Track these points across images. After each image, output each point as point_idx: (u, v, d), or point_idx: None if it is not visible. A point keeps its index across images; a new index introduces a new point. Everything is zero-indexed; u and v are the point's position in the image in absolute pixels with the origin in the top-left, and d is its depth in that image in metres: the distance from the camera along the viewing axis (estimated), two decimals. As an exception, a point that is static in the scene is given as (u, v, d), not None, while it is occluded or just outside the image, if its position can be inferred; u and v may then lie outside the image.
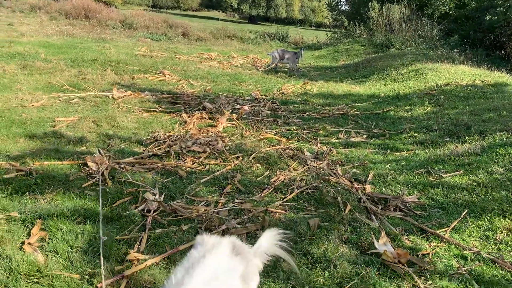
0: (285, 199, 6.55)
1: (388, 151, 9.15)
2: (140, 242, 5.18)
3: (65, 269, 4.57)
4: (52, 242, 4.93)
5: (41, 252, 4.75)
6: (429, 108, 12.19)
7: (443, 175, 7.49)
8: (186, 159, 7.77)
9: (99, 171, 6.71)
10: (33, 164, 6.77)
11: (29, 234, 5.05)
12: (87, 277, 4.48)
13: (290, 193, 6.75)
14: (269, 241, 3.38)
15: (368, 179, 7.42)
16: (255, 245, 3.24)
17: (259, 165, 7.87)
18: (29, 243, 4.84)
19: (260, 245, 3.29)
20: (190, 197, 6.44)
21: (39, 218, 5.30)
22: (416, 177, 7.54)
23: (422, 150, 9.01)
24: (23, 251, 4.66)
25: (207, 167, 7.60)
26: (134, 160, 7.46)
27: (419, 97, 13.28)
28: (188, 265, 2.68)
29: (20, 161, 6.90)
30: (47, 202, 5.79)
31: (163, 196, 6.28)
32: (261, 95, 14.43)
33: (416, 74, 16.68)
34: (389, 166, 8.13)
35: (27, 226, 5.20)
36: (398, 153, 8.99)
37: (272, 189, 6.89)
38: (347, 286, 4.58)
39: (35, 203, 5.73)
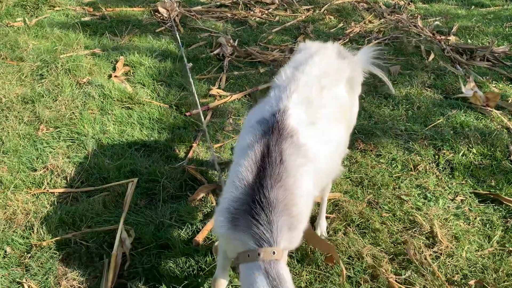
0: (362, 48, 6.24)
1: (473, 6, 8.32)
2: (220, 81, 5.22)
3: (154, 99, 4.74)
4: (137, 75, 5.06)
5: (128, 84, 4.91)
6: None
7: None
8: (255, 10, 7.45)
9: (170, 17, 6.60)
10: (105, 10, 6.73)
11: (114, 69, 5.20)
12: (174, 107, 4.64)
13: (367, 44, 6.40)
14: (366, 55, 3.21)
15: (452, 30, 6.87)
16: (354, 57, 3.09)
17: (331, 17, 7.43)
18: (116, 76, 5.01)
19: (359, 58, 3.13)
20: (263, 44, 6.28)
21: (121, 55, 5.40)
22: (507, 29, 6.89)
23: (513, 6, 8.12)
24: (113, 82, 4.83)
25: (277, 18, 7.27)
26: (203, 9, 7.25)
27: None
28: (296, 65, 2.60)
29: (92, 6, 6.89)
30: (126, 43, 5.86)
31: (236, 41, 6.16)
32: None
33: None
34: (475, 19, 7.44)
35: (111, 62, 5.33)
36: (484, 9, 8.17)
37: (347, 40, 6.56)
38: (432, 124, 4.48)
39: (115, 43, 5.81)
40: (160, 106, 4.59)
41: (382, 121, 4.55)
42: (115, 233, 3.03)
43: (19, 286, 2.70)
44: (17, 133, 3.99)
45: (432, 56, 5.90)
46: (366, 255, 2.96)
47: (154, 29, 6.40)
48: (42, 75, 4.89)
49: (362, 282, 2.80)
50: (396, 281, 2.81)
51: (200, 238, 3.01)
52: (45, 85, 4.71)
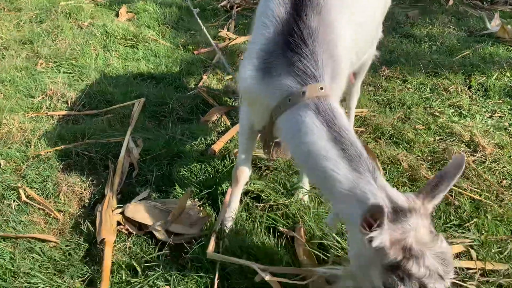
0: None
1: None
2: (229, 26, 4.94)
3: (160, 39, 4.46)
4: (142, 19, 4.78)
5: (133, 26, 4.63)
6: None
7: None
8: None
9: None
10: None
11: (117, 15, 4.93)
12: (181, 46, 4.36)
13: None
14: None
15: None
16: None
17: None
18: (119, 21, 4.74)
19: None
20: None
21: (123, 4, 5.13)
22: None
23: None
24: (116, 23, 4.56)
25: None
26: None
27: None
28: None
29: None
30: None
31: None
32: None
33: None
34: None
35: (113, 10, 5.06)
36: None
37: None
38: (460, 55, 4.16)
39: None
40: (166, 46, 4.31)
41: (405, 54, 4.24)
42: (121, 145, 2.73)
43: (14, 192, 2.39)
44: (14, 66, 3.71)
45: (451, 1, 5.60)
46: (402, 161, 2.63)
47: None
48: (41, 21, 4.63)
49: (400, 185, 2.47)
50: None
51: (216, 147, 2.70)
52: (44, 27, 4.44)
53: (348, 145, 1.47)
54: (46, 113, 3.15)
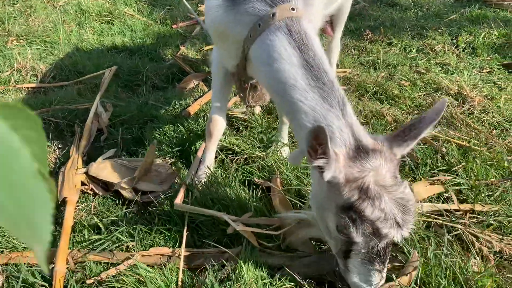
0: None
1: None
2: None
3: (134, 12, 4.31)
4: (118, -3, 4.63)
5: (109, 2, 4.47)
6: None
7: None
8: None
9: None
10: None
11: (93, -5, 4.78)
12: (159, 21, 4.21)
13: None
14: None
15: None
16: None
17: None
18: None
19: None
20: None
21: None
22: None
23: None
24: (91, 1, 4.41)
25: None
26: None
27: None
28: None
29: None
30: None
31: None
32: None
33: None
34: None
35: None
36: None
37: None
38: (447, 19, 4.04)
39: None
40: (143, 21, 4.16)
41: (390, 20, 4.11)
42: (90, 112, 2.58)
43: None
44: (-19, 44, 3.56)
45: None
46: (386, 114, 2.50)
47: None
48: (14, 2, 4.46)
49: (384, 138, 2.33)
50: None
51: (191, 109, 2.56)
52: (17, 7, 4.28)
53: (320, 73, 1.34)
54: (14, 86, 2.99)
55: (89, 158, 2.24)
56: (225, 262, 1.57)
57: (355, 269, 1.31)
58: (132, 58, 3.41)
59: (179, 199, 1.79)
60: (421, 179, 1.98)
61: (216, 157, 2.10)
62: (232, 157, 2.12)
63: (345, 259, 1.32)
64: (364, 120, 2.48)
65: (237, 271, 1.53)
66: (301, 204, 1.79)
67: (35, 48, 3.56)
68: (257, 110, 2.53)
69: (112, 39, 3.76)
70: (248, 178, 1.98)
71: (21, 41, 3.70)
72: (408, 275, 1.45)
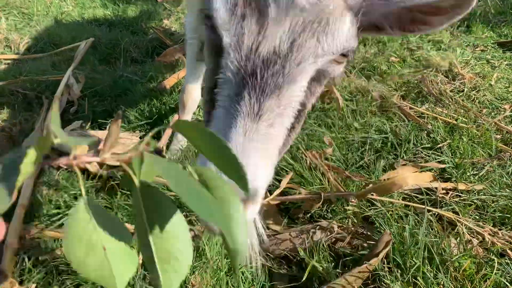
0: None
1: None
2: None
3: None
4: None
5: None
6: None
7: None
8: None
9: None
10: None
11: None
12: (144, -5, 4.05)
13: None
14: None
15: None
16: None
17: None
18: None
19: None
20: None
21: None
22: None
23: None
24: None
25: None
26: None
27: None
28: None
29: None
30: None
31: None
32: None
33: None
34: None
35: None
36: None
37: None
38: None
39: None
40: (127, -6, 4.00)
41: (383, -3, 3.95)
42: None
43: None
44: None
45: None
46: (372, 90, 2.38)
47: None
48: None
49: (368, 114, 2.22)
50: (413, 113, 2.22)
51: (168, 83, 2.44)
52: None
53: None
54: (-15, 57, 2.85)
55: (56, 131, 2.12)
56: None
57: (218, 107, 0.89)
58: (112, 31, 3.27)
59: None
60: (403, 157, 1.88)
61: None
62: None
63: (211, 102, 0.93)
64: (349, 96, 2.36)
65: (200, 248, 1.44)
66: (275, 181, 1.69)
67: (11, 19, 3.40)
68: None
69: (93, 12, 3.60)
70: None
71: (-2, 12, 3.54)
72: (380, 254, 1.35)
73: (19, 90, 2.38)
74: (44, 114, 2.16)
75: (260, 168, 0.83)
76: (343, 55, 0.94)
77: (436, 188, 1.67)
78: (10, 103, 2.33)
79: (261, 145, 0.84)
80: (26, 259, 1.45)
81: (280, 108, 0.87)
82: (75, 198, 1.71)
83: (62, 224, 1.59)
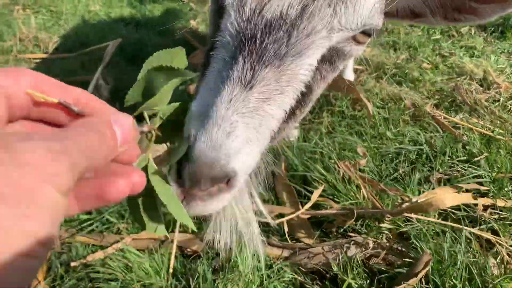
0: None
1: None
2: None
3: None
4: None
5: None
6: None
7: None
8: None
9: None
10: None
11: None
12: (170, -6, 4.05)
13: None
14: None
15: None
16: None
17: None
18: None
19: None
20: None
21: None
22: None
23: None
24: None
25: None
26: None
27: None
28: None
29: None
30: None
31: None
32: None
33: None
34: None
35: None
36: None
37: None
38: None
39: None
40: (154, -7, 4.00)
41: (413, 0, 3.87)
42: (90, 84, 2.46)
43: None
44: (-14, 12, 3.45)
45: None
46: (404, 98, 2.32)
47: None
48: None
49: (401, 123, 2.17)
50: (447, 123, 2.16)
51: (192, 88, 2.42)
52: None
53: None
54: (16, 56, 2.88)
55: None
56: (220, 251, 1.45)
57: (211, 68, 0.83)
58: (139, 31, 3.27)
59: (174, 180, 1.66)
60: (439, 169, 1.82)
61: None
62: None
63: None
64: (381, 104, 2.31)
65: (232, 260, 1.41)
66: (306, 192, 1.65)
67: (40, 18, 3.44)
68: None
69: (120, 11, 3.62)
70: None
71: (28, 10, 3.58)
72: (419, 274, 1.31)
73: (49, 90, 2.39)
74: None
75: (240, 149, 0.72)
76: (365, 33, 0.83)
77: (473, 205, 1.61)
78: (40, 104, 2.35)
79: (249, 120, 0.74)
80: (59, 265, 1.44)
81: (279, 83, 0.77)
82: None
83: (93, 230, 1.59)
